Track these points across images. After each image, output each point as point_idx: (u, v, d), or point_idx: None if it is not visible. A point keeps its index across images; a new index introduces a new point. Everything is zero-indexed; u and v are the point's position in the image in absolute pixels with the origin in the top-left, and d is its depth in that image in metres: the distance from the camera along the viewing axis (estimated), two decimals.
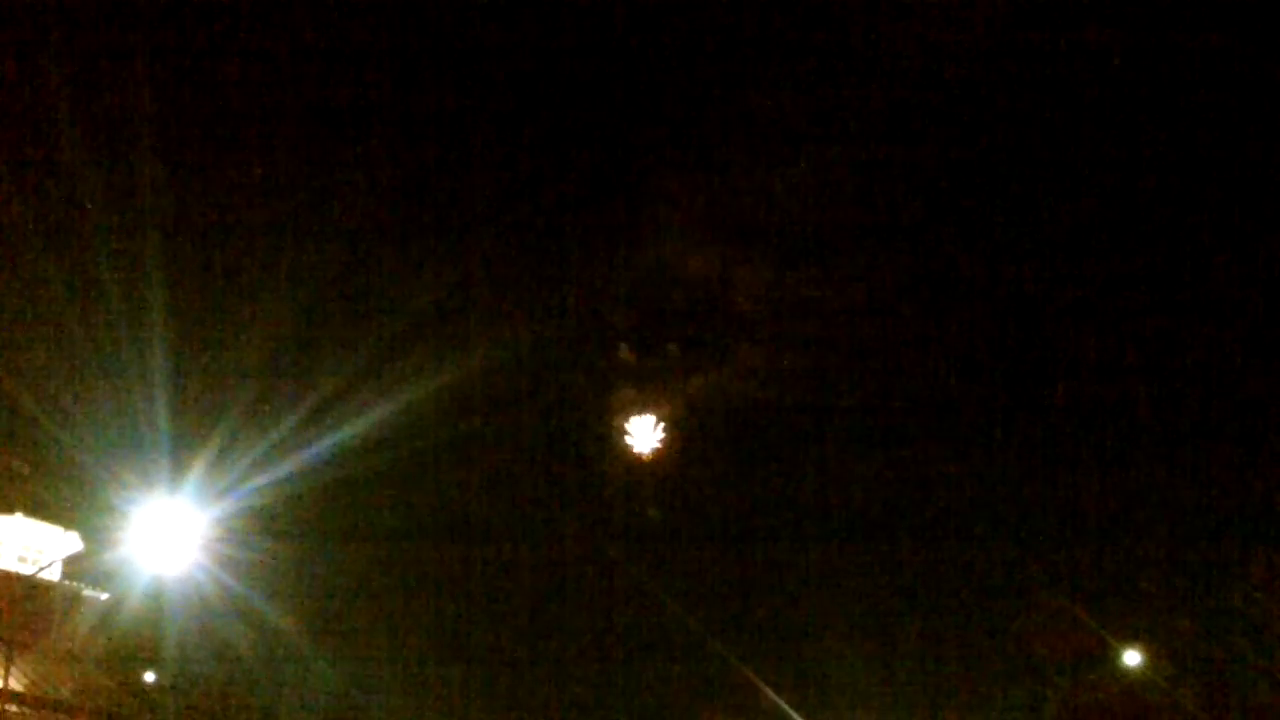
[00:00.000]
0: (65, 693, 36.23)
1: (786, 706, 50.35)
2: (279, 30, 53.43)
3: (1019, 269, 57.27)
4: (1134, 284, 55.34)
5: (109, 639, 38.84)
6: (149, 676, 41.44)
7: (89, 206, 48.08)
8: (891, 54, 51.35)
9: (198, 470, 37.93)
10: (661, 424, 55.69)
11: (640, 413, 55.84)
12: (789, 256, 59.27)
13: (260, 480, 39.35)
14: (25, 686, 34.76)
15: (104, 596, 38.65)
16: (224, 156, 54.06)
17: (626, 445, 55.55)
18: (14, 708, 33.98)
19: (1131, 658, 47.33)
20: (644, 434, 55.54)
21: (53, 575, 37.83)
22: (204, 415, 43.91)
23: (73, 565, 38.47)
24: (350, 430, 45.51)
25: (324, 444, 43.78)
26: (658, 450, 55.63)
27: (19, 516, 38.38)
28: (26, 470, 39.53)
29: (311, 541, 46.25)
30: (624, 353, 56.83)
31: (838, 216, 57.55)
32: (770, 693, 51.19)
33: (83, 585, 38.55)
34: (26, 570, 37.32)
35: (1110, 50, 47.51)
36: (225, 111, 53.74)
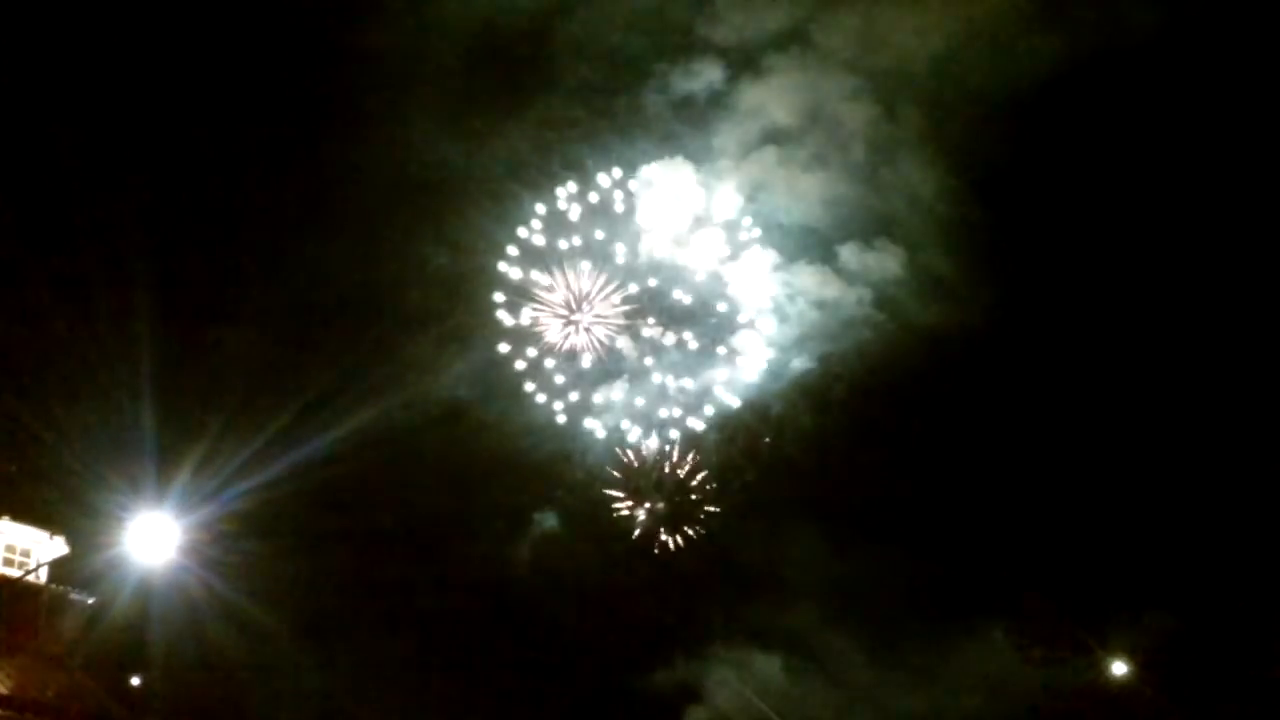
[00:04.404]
0: (51, 696, 36.15)
1: (775, 712, 50.49)
2: (271, 29, 53.51)
3: (1014, 267, 57.43)
4: (1130, 283, 55.46)
5: (95, 642, 38.73)
6: (135, 680, 41.41)
7: (78, 211, 48.19)
8: None
9: (184, 474, 38.00)
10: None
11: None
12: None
13: (246, 483, 39.41)
14: (11, 690, 34.67)
15: (90, 600, 38.50)
16: (214, 161, 54.15)
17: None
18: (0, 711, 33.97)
19: (1118, 665, 47.42)
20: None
21: (39, 579, 37.71)
22: (190, 419, 44.01)
23: (59, 569, 38.29)
24: (336, 433, 45.61)
25: (310, 447, 43.88)
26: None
27: (5, 520, 38.23)
28: (13, 473, 39.45)
29: (298, 544, 46.32)
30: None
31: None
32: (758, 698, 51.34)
33: (69, 589, 38.38)
34: (13, 574, 37.21)
35: None
36: (216, 119, 53.83)
